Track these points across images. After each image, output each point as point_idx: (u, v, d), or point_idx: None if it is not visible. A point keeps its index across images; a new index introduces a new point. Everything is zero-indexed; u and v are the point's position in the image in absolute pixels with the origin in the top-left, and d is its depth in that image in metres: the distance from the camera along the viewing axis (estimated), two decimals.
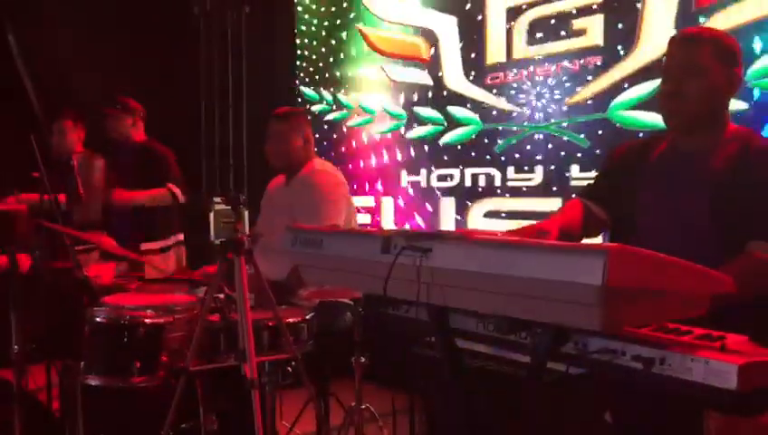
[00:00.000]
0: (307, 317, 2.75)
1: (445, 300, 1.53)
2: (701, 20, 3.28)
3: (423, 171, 4.80)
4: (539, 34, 4.04)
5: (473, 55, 4.43)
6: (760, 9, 3.07)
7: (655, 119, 3.42)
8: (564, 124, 3.92)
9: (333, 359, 3.05)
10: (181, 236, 4.27)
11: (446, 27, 4.59)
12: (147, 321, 2.53)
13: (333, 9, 5.52)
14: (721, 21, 3.19)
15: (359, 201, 5.16)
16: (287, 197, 3.30)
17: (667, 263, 1.29)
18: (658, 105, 2.07)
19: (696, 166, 1.98)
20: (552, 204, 3.96)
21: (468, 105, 4.46)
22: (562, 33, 3.90)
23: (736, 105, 3.08)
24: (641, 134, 3.50)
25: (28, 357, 2.79)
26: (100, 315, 2.56)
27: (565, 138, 3.92)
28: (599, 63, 3.75)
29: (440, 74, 4.65)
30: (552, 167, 3.98)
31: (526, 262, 1.27)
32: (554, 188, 3.97)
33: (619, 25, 3.65)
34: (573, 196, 3.79)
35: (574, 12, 3.84)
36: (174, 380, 2.48)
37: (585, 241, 2.16)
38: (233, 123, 6.39)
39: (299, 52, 5.86)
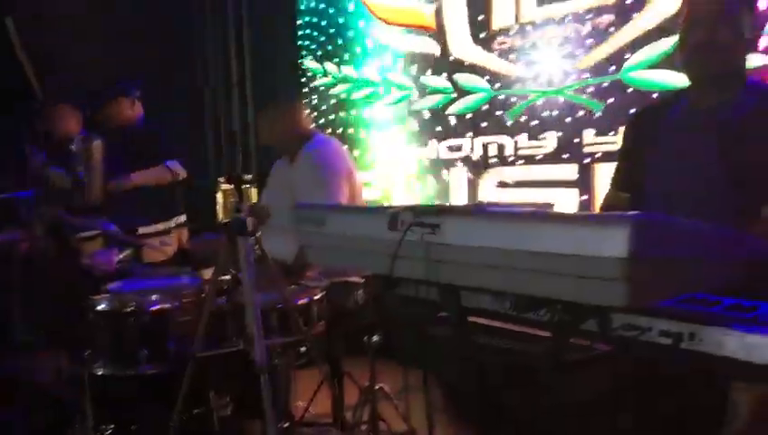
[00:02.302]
0: (316, 298, 2.68)
1: (456, 278, 1.44)
2: None
3: (432, 142, 4.69)
4: None
5: (479, 20, 4.30)
6: None
7: (670, 79, 3.28)
8: (576, 88, 3.79)
9: (346, 338, 2.99)
10: (183, 218, 4.20)
11: None
12: (151, 307, 2.47)
13: None
14: None
15: (367, 176, 5.06)
16: (290, 175, 3.23)
17: (694, 229, 1.20)
18: (684, 56, 1.95)
19: (711, 123, 1.87)
20: (567, 171, 3.85)
21: (477, 72, 4.33)
22: None
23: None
24: (656, 95, 3.37)
25: (35, 345, 2.74)
26: (102, 303, 2.51)
27: (577, 102, 3.79)
28: (610, 23, 3.61)
29: (446, 42, 4.52)
30: (565, 133, 3.86)
31: (543, 235, 1.17)
32: (568, 155, 3.85)
33: None
34: (586, 161, 3.72)
35: None
36: (182, 366, 2.42)
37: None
38: (237, 101, 6.29)
39: (301, 25, 5.74)
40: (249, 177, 4.90)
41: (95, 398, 2.38)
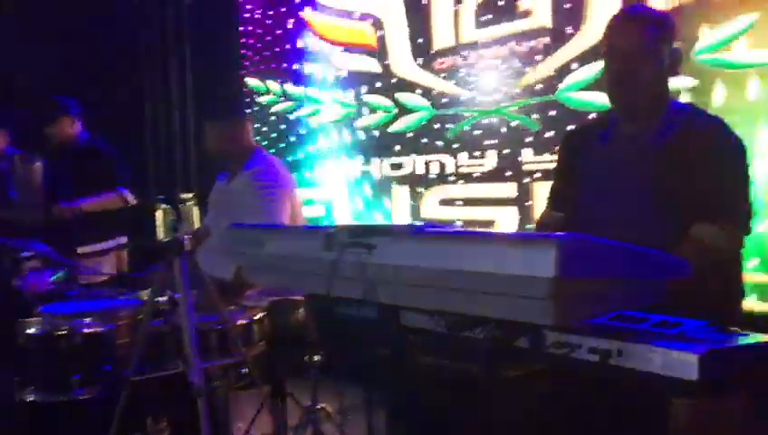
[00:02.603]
0: (257, 317, 2.66)
1: (393, 298, 1.45)
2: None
3: (375, 160, 4.71)
4: (486, 17, 3.97)
5: (420, 40, 4.35)
6: None
7: (604, 99, 3.37)
8: (514, 108, 3.87)
9: (288, 358, 2.96)
10: (123, 239, 4.10)
11: (392, 12, 4.50)
12: (84, 330, 2.40)
13: None
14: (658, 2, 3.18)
15: (310, 193, 5.05)
16: (229, 195, 3.19)
17: (619, 250, 1.24)
18: (607, 87, 2.02)
19: (638, 146, 1.94)
20: (506, 189, 3.91)
21: (418, 91, 4.39)
22: (509, 14, 3.84)
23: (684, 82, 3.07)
24: (592, 115, 3.46)
25: None
26: (33, 327, 2.43)
27: (516, 121, 3.87)
28: (547, 45, 3.70)
29: (388, 61, 4.56)
30: (505, 151, 3.93)
31: (475, 255, 1.19)
32: (507, 173, 3.92)
33: (566, 5, 3.60)
34: (525, 180, 3.79)
35: None
36: (118, 390, 2.36)
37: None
38: (178, 119, 6.20)
39: (243, 41, 5.71)
40: (189, 195, 4.83)
41: (28, 425, 2.30)
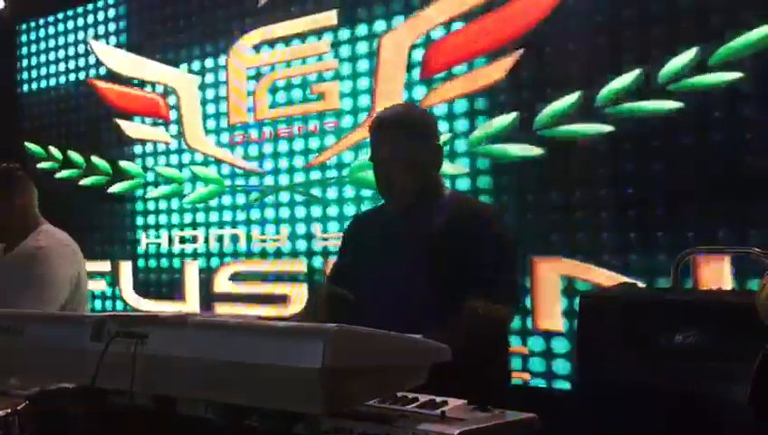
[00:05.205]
0: (19, 408, 2.41)
1: (166, 388, 1.41)
2: (424, 90, 3.52)
3: (164, 233, 4.56)
4: (280, 96, 4.08)
5: (215, 114, 4.35)
6: (475, 83, 3.38)
7: None
8: (307, 185, 3.97)
9: None
10: None
11: (187, 85, 4.47)
12: None
13: (60, 59, 5.12)
14: (442, 92, 3.46)
15: (93, 266, 4.74)
16: (3, 273, 2.87)
17: (385, 339, 1.30)
18: (378, 190, 2.14)
19: (415, 231, 2.07)
20: (298, 264, 3.97)
21: (211, 164, 4.36)
22: (303, 95, 3.98)
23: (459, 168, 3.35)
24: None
25: None
26: None
27: (308, 198, 3.96)
28: (338, 126, 3.86)
29: (181, 132, 4.50)
30: (297, 227, 4.00)
31: (246, 346, 1.20)
32: (299, 249, 3.98)
33: (356, 90, 3.80)
34: (316, 255, 3.87)
35: (314, 76, 3.94)
36: None
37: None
38: None
39: (23, 105, 5.34)
40: None
41: None
